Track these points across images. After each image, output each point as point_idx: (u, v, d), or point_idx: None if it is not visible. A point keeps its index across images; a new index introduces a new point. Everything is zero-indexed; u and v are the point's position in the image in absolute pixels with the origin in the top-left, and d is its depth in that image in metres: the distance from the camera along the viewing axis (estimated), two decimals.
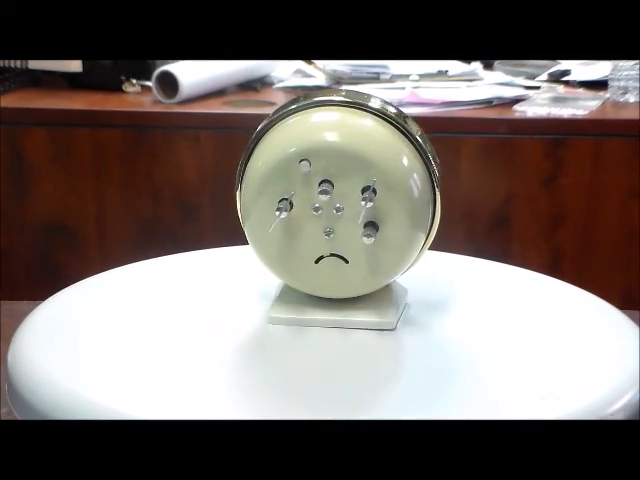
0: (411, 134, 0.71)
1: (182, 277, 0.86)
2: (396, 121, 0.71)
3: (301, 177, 0.70)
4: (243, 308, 0.78)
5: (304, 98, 0.73)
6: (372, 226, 0.70)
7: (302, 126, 0.72)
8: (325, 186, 0.69)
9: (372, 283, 0.73)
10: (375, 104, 0.72)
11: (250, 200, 0.72)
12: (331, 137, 0.70)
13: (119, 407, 0.61)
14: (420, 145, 0.71)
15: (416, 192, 0.70)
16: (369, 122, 0.71)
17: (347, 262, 0.72)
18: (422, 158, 0.71)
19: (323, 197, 0.69)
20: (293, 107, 0.73)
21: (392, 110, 0.72)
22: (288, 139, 0.72)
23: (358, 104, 0.72)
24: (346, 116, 0.72)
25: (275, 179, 0.71)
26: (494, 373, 0.68)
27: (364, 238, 0.70)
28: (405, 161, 0.71)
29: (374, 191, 0.69)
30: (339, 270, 0.72)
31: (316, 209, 0.70)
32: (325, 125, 0.71)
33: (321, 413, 0.61)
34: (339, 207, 0.70)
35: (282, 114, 0.73)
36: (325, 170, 0.70)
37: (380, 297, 0.74)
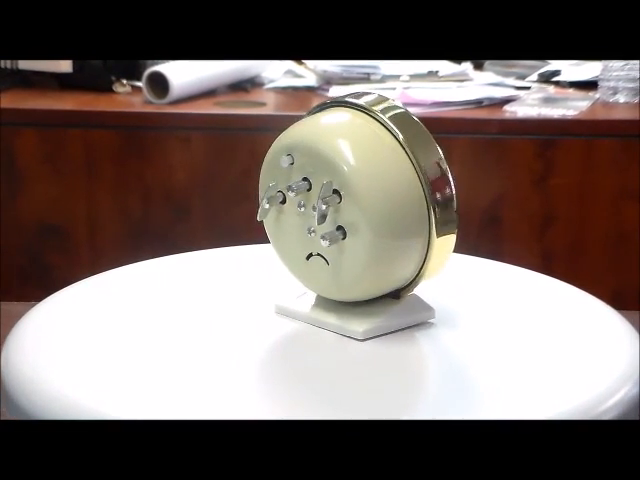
0: (409, 143, 0.68)
1: (176, 279, 0.85)
2: (392, 128, 0.69)
3: (285, 171, 0.70)
4: (240, 310, 0.77)
5: (332, 100, 0.73)
6: (340, 231, 0.69)
7: (302, 123, 0.72)
8: (298, 183, 0.69)
9: (342, 291, 0.72)
10: (381, 110, 0.70)
11: (259, 191, 0.74)
12: (311, 136, 0.70)
13: (109, 410, 0.60)
14: (414, 154, 0.68)
15: (382, 201, 0.67)
16: (361, 127, 0.69)
17: (328, 264, 0.71)
18: (415, 169, 0.68)
19: (291, 194, 0.70)
20: (318, 106, 0.73)
21: (398, 116, 0.70)
22: (283, 134, 0.72)
23: (365, 109, 0.70)
24: (346, 118, 0.70)
25: (266, 171, 0.72)
26: (488, 371, 0.68)
27: (321, 240, 0.68)
28: (376, 168, 0.68)
29: (338, 195, 0.68)
30: (324, 270, 0.71)
31: (300, 206, 0.70)
32: (316, 124, 0.71)
33: (320, 414, 0.61)
34: (314, 206, 0.69)
35: (310, 111, 0.74)
36: (304, 168, 0.70)
37: (367, 305, 0.72)
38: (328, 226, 0.69)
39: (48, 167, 1.56)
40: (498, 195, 1.54)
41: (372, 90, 0.75)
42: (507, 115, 1.56)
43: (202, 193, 1.57)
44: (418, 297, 0.73)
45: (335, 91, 1.67)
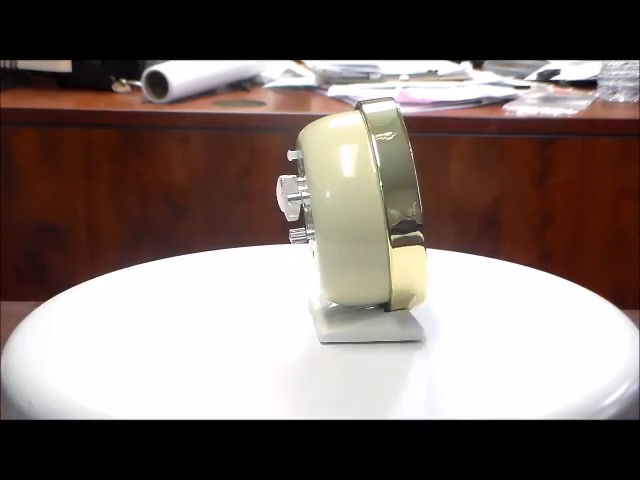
0: (380, 148, 0.66)
1: (179, 281, 0.85)
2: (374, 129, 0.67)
3: (298, 164, 0.70)
4: (243, 313, 0.77)
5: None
6: (311, 232, 0.69)
7: (321, 120, 0.71)
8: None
9: (323, 291, 0.70)
10: (370, 112, 0.68)
11: None
12: (306, 135, 0.69)
13: (109, 411, 0.60)
14: (380, 158, 0.65)
15: (334, 205, 0.66)
16: (350, 128, 0.68)
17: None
18: (377, 175, 0.65)
19: (277, 188, 0.69)
20: (359, 103, 0.71)
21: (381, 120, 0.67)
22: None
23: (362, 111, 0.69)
24: (346, 123, 0.69)
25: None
26: (486, 369, 0.68)
27: (289, 237, 0.69)
28: (339, 172, 0.66)
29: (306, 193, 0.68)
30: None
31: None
32: (320, 124, 0.70)
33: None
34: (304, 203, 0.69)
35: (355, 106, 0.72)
36: (301, 162, 0.69)
37: (354, 312, 0.71)
38: (307, 225, 0.70)
39: (47, 166, 1.57)
40: (497, 194, 1.54)
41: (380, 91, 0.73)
42: (506, 114, 1.56)
43: (201, 192, 1.57)
44: (410, 315, 0.71)
45: (334, 90, 1.67)
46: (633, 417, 0.64)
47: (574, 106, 1.58)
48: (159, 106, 1.60)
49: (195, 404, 0.62)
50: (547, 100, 1.63)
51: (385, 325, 0.70)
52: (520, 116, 1.55)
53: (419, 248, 0.66)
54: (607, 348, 0.71)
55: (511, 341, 0.72)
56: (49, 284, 1.57)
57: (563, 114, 1.54)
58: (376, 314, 0.71)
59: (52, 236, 1.58)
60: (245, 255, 0.92)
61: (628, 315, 0.77)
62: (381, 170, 0.65)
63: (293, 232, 0.69)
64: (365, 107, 0.69)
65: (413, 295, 0.69)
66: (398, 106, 0.69)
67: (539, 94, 1.68)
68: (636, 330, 0.74)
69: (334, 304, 0.72)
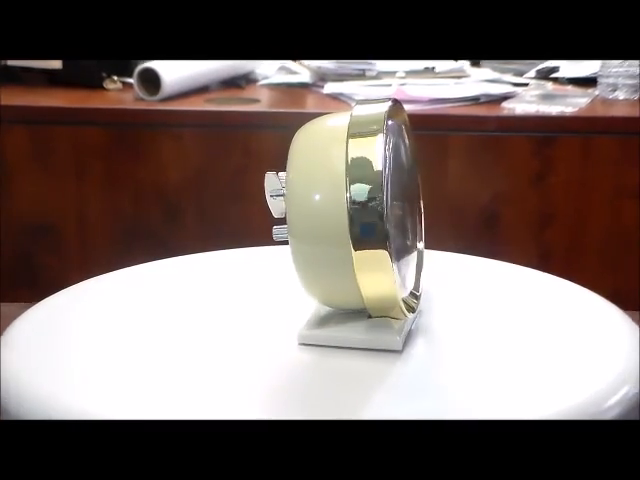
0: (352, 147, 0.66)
1: (172, 283, 0.85)
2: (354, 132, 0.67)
3: None
4: (235, 315, 0.78)
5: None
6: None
7: (321, 118, 0.72)
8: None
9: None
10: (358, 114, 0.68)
11: None
12: (297, 132, 0.70)
13: (100, 410, 0.61)
14: (350, 160, 0.66)
15: (303, 205, 0.67)
16: (332, 130, 0.69)
17: None
18: (345, 175, 0.66)
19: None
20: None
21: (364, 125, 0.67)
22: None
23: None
24: (331, 122, 0.70)
25: None
26: (485, 370, 0.68)
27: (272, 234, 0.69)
28: (312, 172, 0.67)
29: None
30: None
31: None
32: (315, 121, 0.71)
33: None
34: None
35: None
36: None
37: (337, 315, 0.72)
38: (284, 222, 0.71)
39: (37, 165, 1.56)
40: (495, 193, 1.54)
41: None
42: (505, 112, 1.56)
43: (195, 192, 1.57)
44: (390, 324, 0.71)
45: (330, 88, 1.67)
46: (634, 417, 0.64)
47: (573, 104, 1.57)
48: (151, 103, 1.60)
49: (169, 404, 0.63)
50: (546, 97, 1.62)
51: (360, 332, 0.70)
52: (519, 114, 1.55)
53: (382, 253, 0.65)
54: (609, 349, 0.71)
55: (511, 342, 0.73)
56: (41, 285, 1.56)
57: (562, 112, 1.54)
58: (357, 319, 0.71)
59: (43, 236, 1.58)
60: (240, 256, 0.92)
61: (629, 316, 0.77)
62: (348, 173, 0.65)
63: (276, 229, 0.69)
64: (356, 108, 0.69)
65: (386, 302, 0.68)
66: (388, 108, 0.68)
67: (538, 91, 1.68)
68: (637, 329, 0.74)
69: (323, 305, 0.73)
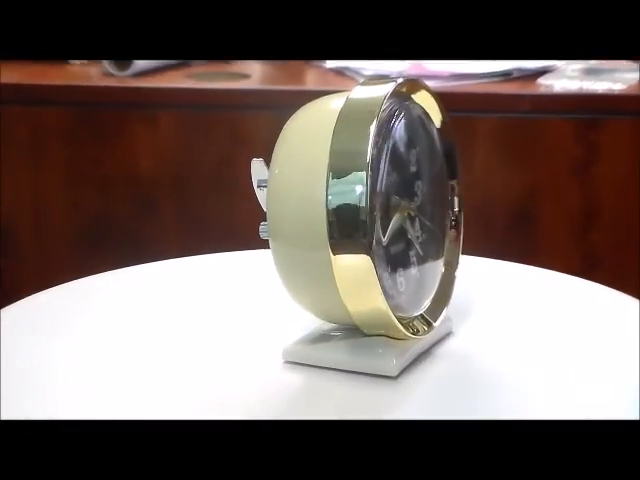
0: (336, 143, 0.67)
1: (143, 293, 0.86)
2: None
3: None
4: (220, 326, 0.79)
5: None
6: None
7: (316, 101, 0.73)
8: None
9: None
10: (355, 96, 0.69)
11: None
12: (291, 118, 0.71)
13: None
14: (334, 147, 0.66)
15: (279, 196, 0.68)
16: (325, 114, 0.69)
17: None
18: (327, 171, 0.66)
19: None
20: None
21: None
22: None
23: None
24: (325, 105, 0.70)
25: None
26: (500, 379, 0.70)
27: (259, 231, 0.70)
28: (287, 159, 0.68)
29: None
30: None
31: None
32: (307, 106, 0.72)
33: None
34: None
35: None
36: None
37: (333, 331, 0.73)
38: None
39: None
40: (530, 186, 1.54)
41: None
42: (541, 90, 1.56)
43: (173, 183, 1.57)
44: (387, 343, 0.70)
45: (334, 61, 1.66)
46: None
47: (623, 79, 1.57)
48: (122, 80, 1.59)
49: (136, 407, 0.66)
50: (591, 72, 1.62)
51: (349, 352, 0.71)
52: (558, 92, 1.54)
53: (364, 259, 0.65)
54: None
55: (548, 364, 0.72)
56: None
57: (610, 89, 1.53)
58: (353, 337, 0.71)
59: None
60: (226, 262, 0.91)
61: None
62: (331, 166, 0.65)
63: (262, 226, 0.69)
64: (355, 90, 0.69)
65: (376, 317, 0.68)
66: (392, 89, 0.68)
67: (581, 65, 1.67)
68: None
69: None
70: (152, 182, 1.57)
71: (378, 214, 0.66)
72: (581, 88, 1.55)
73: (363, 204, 0.64)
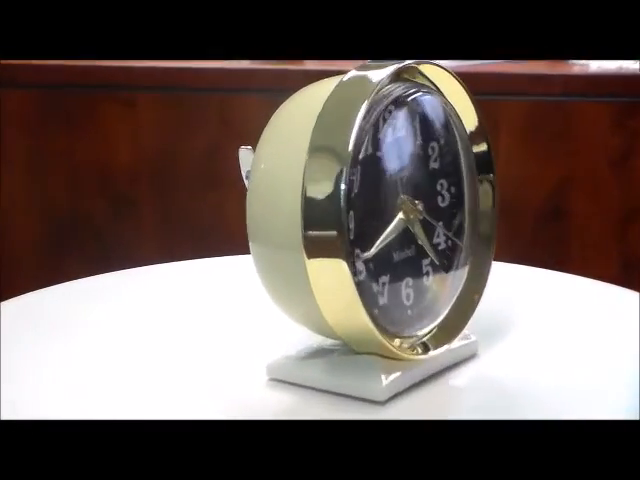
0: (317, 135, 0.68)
1: (118, 302, 0.87)
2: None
3: None
4: (204, 336, 0.80)
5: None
6: None
7: (310, 86, 0.74)
8: None
9: None
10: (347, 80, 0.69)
11: None
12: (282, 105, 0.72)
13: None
14: (313, 142, 0.67)
15: (262, 197, 0.69)
16: (314, 104, 0.69)
17: None
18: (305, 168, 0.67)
19: None
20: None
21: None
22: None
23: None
24: (315, 91, 0.71)
25: None
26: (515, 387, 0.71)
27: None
28: (268, 147, 0.70)
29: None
30: None
31: None
32: (300, 91, 0.73)
33: None
34: None
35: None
36: None
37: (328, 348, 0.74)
38: None
39: None
40: (563, 180, 1.54)
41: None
42: (575, 70, 1.56)
43: (152, 176, 1.57)
44: (377, 364, 0.70)
45: None
46: None
47: None
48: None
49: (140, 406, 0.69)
50: None
51: (334, 372, 0.71)
52: (594, 72, 1.55)
53: (339, 263, 0.65)
54: None
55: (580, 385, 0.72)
56: None
57: None
58: (342, 354, 0.72)
59: None
60: (213, 268, 0.92)
61: None
62: (308, 160, 0.66)
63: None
64: (351, 73, 0.69)
65: (358, 332, 0.68)
66: (394, 70, 0.68)
67: None
68: None
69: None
70: (129, 175, 1.57)
71: (366, 215, 0.66)
72: (620, 67, 1.55)
73: (344, 203, 0.64)
